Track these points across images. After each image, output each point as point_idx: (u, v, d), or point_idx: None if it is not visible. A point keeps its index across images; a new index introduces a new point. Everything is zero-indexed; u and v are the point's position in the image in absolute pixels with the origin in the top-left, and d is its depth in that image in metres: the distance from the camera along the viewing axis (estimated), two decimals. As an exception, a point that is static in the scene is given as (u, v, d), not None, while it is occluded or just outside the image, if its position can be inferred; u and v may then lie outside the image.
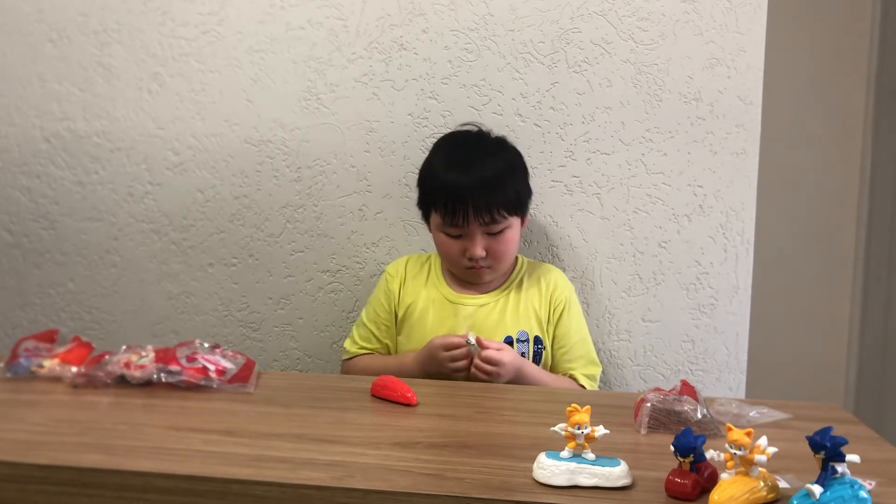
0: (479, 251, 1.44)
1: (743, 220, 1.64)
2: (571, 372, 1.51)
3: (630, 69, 1.62)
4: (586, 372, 1.52)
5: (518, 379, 1.41)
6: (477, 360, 1.38)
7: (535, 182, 1.65)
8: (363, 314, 1.59)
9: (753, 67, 1.60)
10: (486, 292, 1.53)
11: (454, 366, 1.39)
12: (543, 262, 1.66)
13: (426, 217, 1.52)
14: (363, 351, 1.58)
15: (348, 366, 1.59)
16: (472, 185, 1.41)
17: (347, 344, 1.60)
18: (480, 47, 1.64)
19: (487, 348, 1.37)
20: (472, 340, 1.37)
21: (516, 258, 1.58)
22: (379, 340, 1.56)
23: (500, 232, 1.45)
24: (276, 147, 1.71)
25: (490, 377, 1.38)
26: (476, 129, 1.56)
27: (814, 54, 2.35)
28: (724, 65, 1.61)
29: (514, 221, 1.47)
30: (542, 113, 1.65)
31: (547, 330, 1.52)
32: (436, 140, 1.58)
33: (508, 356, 1.38)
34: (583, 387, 1.50)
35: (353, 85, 1.68)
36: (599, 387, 1.67)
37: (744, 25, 1.60)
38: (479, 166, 1.44)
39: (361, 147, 1.69)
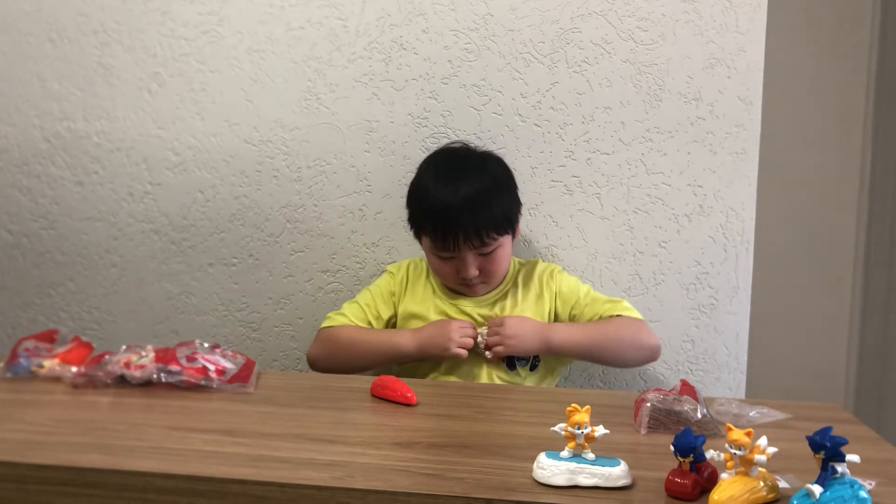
0: (472, 272, 1.45)
1: (743, 220, 1.64)
2: (608, 314, 1.48)
3: (630, 69, 1.62)
4: (616, 307, 1.49)
5: (548, 345, 1.44)
6: (487, 338, 1.44)
7: (535, 182, 1.65)
8: (359, 297, 1.56)
9: (753, 67, 1.60)
10: (481, 294, 1.53)
11: (462, 340, 1.42)
12: (543, 262, 1.66)
13: (418, 237, 1.52)
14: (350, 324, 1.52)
15: (329, 332, 1.49)
16: (461, 213, 1.40)
17: (333, 314, 1.53)
18: (480, 47, 1.64)
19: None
20: (483, 333, 1.45)
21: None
22: (368, 323, 1.52)
23: (492, 252, 1.45)
24: (276, 147, 1.71)
25: (506, 344, 1.42)
26: (461, 144, 1.57)
27: (814, 54, 2.35)
28: (724, 65, 1.61)
29: (506, 240, 1.47)
30: (542, 113, 1.65)
31: (551, 315, 1.52)
32: (435, 142, 1.59)
33: (512, 318, 1.43)
34: (622, 316, 1.48)
35: (353, 85, 1.68)
36: (598, 386, 1.68)
37: (744, 25, 1.60)
38: (465, 189, 1.43)
39: (361, 147, 1.69)
